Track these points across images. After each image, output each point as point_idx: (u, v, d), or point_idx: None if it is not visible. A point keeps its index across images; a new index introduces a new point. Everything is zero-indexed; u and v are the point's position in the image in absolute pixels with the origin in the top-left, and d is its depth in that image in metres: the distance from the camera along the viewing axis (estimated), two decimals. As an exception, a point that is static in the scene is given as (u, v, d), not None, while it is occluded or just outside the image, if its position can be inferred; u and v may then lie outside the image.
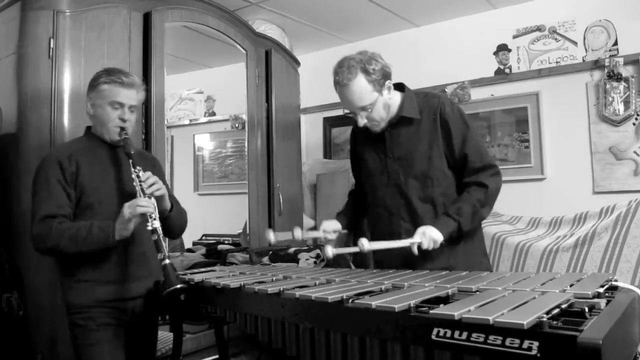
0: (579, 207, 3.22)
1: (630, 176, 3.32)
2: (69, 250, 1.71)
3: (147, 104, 2.69)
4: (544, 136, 3.63)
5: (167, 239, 1.97)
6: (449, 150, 1.86)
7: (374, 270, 1.89)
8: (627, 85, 3.33)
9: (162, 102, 2.78)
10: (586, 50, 3.52)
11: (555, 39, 3.65)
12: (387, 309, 1.14)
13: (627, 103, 3.33)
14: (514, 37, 3.81)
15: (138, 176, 1.77)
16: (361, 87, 1.77)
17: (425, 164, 1.87)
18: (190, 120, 4.82)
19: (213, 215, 4.52)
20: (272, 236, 1.93)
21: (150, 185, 1.77)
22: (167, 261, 1.68)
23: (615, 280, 1.34)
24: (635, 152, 3.31)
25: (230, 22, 3.27)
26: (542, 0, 3.72)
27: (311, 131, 4.79)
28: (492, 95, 3.85)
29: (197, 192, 4.76)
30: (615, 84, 3.35)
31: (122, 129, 1.84)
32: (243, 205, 3.43)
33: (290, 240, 2.01)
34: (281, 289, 1.45)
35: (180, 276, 1.91)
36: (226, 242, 4.13)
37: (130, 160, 1.79)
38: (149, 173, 1.80)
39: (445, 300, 1.24)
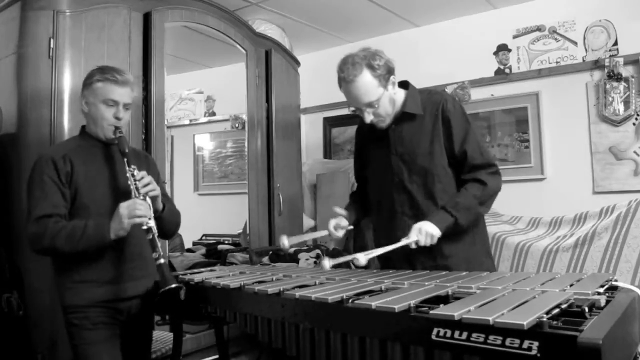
0: (579, 207, 3.22)
1: (630, 176, 3.32)
2: (65, 249, 1.70)
3: (147, 104, 2.69)
4: (544, 136, 3.63)
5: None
6: (449, 146, 1.87)
7: (374, 270, 1.89)
8: (627, 85, 3.33)
9: (162, 102, 2.78)
10: (586, 50, 3.52)
11: (555, 39, 3.65)
12: (387, 309, 1.14)
13: (627, 103, 3.33)
14: (514, 37, 3.81)
15: (133, 175, 1.77)
16: (367, 82, 1.77)
17: (427, 160, 1.87)
18: (190, 120, 4.82)
19: (213, 215, 4.52)
20: (286, 242, 1.90)
21: (145, 185, 1.77)
22: (162, 260, 1.68)
23: (615, 280, 1.34)
24: (635, 152, 3.31)
25: (230, 22, 3.27)
26: (542, 0, 3.72)
27: (311, 131, 4.79)
28: (492, 95, 3.85)
29: (197, 192, 4.76)
30: (615, 84, 3.35)
31: (117, 127, 1.84)
32: (243, 205, 3.43)
33: (303, 242, 2.00)
34: (281, 289, 1.45)
35: (180, 276, 1.92)
36: (226, 242, 4.14)
37: (125, 159, 1.80)
38: (143, 172, 1.80)
39: (445, 300, 1.24)
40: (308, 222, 4.09)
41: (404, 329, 1.10)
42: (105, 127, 1.84)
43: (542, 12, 3.70)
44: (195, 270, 2.17)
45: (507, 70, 3.82)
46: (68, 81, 2.38)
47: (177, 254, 3.72)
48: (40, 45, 2.35)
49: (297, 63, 3.95)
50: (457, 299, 1.22)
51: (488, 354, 0.95)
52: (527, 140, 3.69)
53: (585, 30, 3.53)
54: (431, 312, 1.07)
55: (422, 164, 1.87)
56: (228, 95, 4.55)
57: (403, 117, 1.90)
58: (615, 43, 3.42)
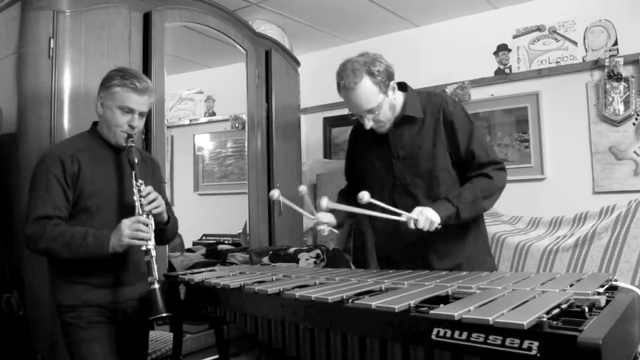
0: (579, 207, 3.22)
1: (630, 176, 3.32)
2: (61, 255, 1.69)
3: (147, 104, 2.69)
4: (544, 136, 3.63)
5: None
6: (453, 148, 1.85)
7: (374, 270, 1.89)
8: (627, 85, 3.33)
9: (162, 102, 2.78)
10: (586, 50, 3.52)
11: (555, 39, 3.65)
12: (387, 309, 1.13)
13: (627, 103, 3.33)
14: (514, 37, 3.81)
15: (139, 190, 1.74)
16: (367, 90, 1.76)
17: (430, 163, 1.86)
18: (190, 120, 4.82)
19: (213, 215, 4.52)
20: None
21: (150, 202, 1.75)
22: (156, 286, 1.67)
23: (615, 280, 1.34)
24: (635, 152, 3.31)
25: (230, 22, 3.27)
26: (542, 0, 3.72)
27: (311, 131, 4.79)
28: (492, 95, 3.85)
29: (197, 192, 4.76)
30: (615, 84, 3.35)
31: (130, 135, 1.81)
32: (243, 205, 3.43)
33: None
34: (281, 289, 1.45)
35: (180, 276, 1.92)
36: (226, 242, 4.14)
37: (134, 172, 1.77)
38: (150, 188, 1.78)
39: (445, 300, 1.24)
40: (308, 222, 4.09)
41: (404, 329, 1.10)
42: (118, 134, 1.81)
43: (542, 12, 3.70)
44: (195, 270, 2.16)
45: (507, 70, 3.82)
46: (68, 81, 2.38)
47: (177, 254, 3.72)
48: (40, 45, 2.35)
49: (297, 63, 3.95)
50: (457, 299, 1.22)
51: (488, 354, 0.95)
52: (527, 140, 3.69)
53: (585, 30, 3.53)
54: (431, 312, 1.07)
55: (425, 167, 1.86)
56: (228, 95, 4.55)
57: (403, 120, 1.89)
58: (615, 43, 3.42)
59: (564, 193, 3.50)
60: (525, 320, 0.92)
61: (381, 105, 1.80)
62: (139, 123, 1.83)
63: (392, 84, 1.83)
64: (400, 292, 1.30)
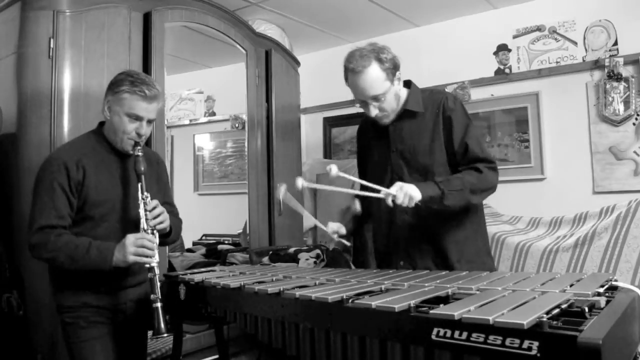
0: (579, 207, 3.22)
1: (630, 176, 3.32)
2: (65, 265, 1.69)
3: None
4: (544, 136, 3.63)
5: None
6: (449, 142, 1.86)
7: (374, 270, 1.89)
8: (627, 85, 3.33)
9: (162, 102, 2.77)
10: (586, 50, 3.52)
11: (555, 39, 3.65)
12: (387, 309, 1.13)
13: (627, 103, 3.33)
14: (514, 37, 3.81)
15: (145, 204, 1.73)
16: (375, 74, 1.78)
17: (427, 158, 1.87)
18: (190, 120, 4.82)
19: (213, 215, 4.52)
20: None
21: (155, 217, 1.74)
22: (158, 304, 1.68)
23: (615, 280, 1.33)
24: (635, 152, 3.31)
25: (230, 22, 3.27)
26: (542, 0, 3.72)
27: (311, 131, 4.79)
28: (492, 95, 3.85)
29: (197, 192, 4.77)
30: (615, 84, 3.35)
31: (137, 143, 1.78)
32: (243, 205, 3.43)
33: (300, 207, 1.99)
34: (281, 289, 1.45)
35: (180, 276, 1.92)
36: (226, 242, 4.14)
37: (140, 184, 1.75)
38: (155, 202, 1.76)
39: (445, 300, 1.24)
40: (308, 222, 4.09)
41: (404, 328, 1.10)
42: (125, 140, 1.78)
43: (542, 12, 3.70)
44: (195, 270, 2.16)
45: (507, 70, 3.82)
46: (68, 81, 2.38)
47: (177, 254, 3.72)
48: (40, 45, 2.35)
49: (297, 63, 3.95)
50: (457, 299, 1.22)
51: (488, 353, 0.95)
52: (527, 140, 3.69)
53: (585, 30, 3.53)
54: (431, 312, 1.07)
55: (422, 162, 1.87)
56: (228, 95, 4.55)
57: (404, 114, 1.91)
58: (615, 43, 3.42)
59: (564, 193, 3.50)
60: (525, 320, 0.92)
61: (387, 92, 1.81)
62: (147, 130, 1.80)
63: (398, 74, 1.85)
64: (400, 293, 1.30)
